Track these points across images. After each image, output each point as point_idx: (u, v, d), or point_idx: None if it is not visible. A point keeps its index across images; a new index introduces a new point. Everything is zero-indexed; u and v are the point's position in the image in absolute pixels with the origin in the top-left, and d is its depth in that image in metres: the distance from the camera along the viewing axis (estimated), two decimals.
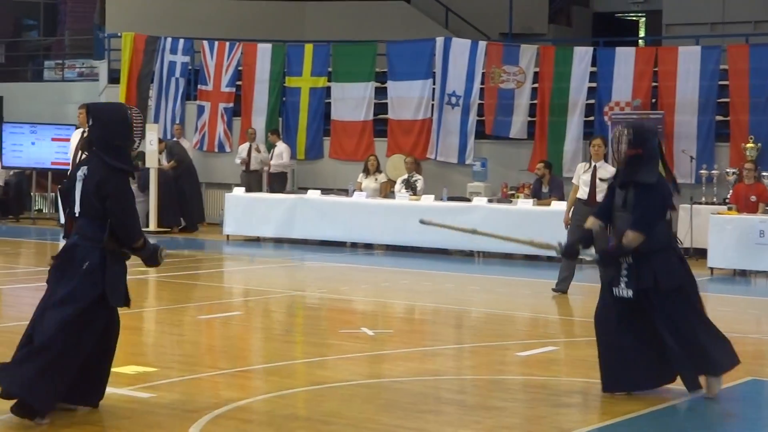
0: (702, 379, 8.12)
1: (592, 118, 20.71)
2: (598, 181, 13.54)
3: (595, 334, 8.37)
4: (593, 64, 20.74)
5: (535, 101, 21.16)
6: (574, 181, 13.99)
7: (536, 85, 21.16)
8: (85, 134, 7.55)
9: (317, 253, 18.79)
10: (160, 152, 22.55)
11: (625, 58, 20.49)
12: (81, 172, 7.20)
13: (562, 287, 13.97)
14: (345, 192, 20.42)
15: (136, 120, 7.33)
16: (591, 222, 8.61)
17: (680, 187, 10.25)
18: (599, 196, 12.51)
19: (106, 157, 7.14)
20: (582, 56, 20.77)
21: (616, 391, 8.13)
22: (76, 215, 7.22)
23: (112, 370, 8.57)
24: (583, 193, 13.72)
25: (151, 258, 7.43)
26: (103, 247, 7.10)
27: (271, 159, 22.09)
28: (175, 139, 23.32)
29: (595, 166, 13.72)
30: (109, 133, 7.22)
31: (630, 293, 8.09)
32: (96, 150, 7.22)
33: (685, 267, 8.34)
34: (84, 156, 7.33)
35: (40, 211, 26.18)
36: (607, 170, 13.26)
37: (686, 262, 8.48)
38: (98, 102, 7.78)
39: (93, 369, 7.22)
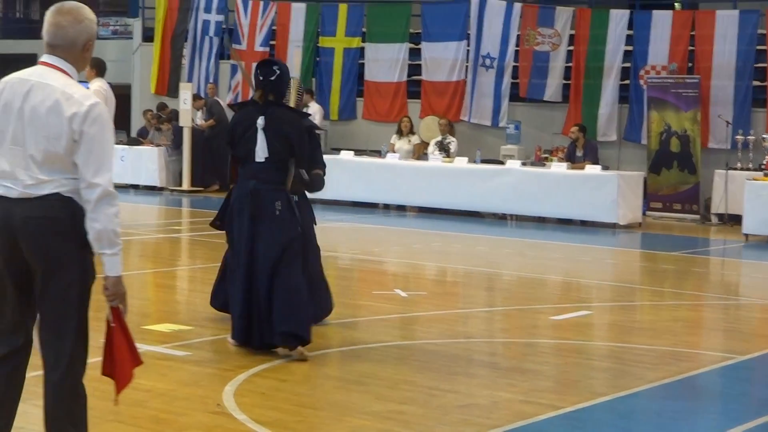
0: None
1: (627, 81, 20.56)
2: None
3: None
4: (629, 27, 20.57)
5: (570, 64, 21.02)
6: None
7: (571, 47, 21.01)
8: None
9: (349, 214, 18.80)
10: (197, 109, 22.58)
11: (661, 21, 20.31)
12: (261, 120, 7.93)
13: None
14: (378, 153, 20.39)
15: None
16: None
17: None
18: None
19: (284, 107, 8.19)
20: (618, 19, 20.59)
21: None
22: (256, 162, 7.92)
23: (147, 327, 8.66)
24: None
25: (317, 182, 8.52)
26: (285, 190, 7.97)
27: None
28: (215, 98, 23.29)
29: None
30: (284, 86, 8.18)
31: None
32: (275, 100, 8.04)
33: None
34: (244, 103, 8.31)
35: None
36: None
37: None
38: (275, 59, 8.61)
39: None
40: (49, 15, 4.79)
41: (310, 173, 8.33)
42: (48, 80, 4.69)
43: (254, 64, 8.60)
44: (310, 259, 8.57)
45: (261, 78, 8.07)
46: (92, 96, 4.73)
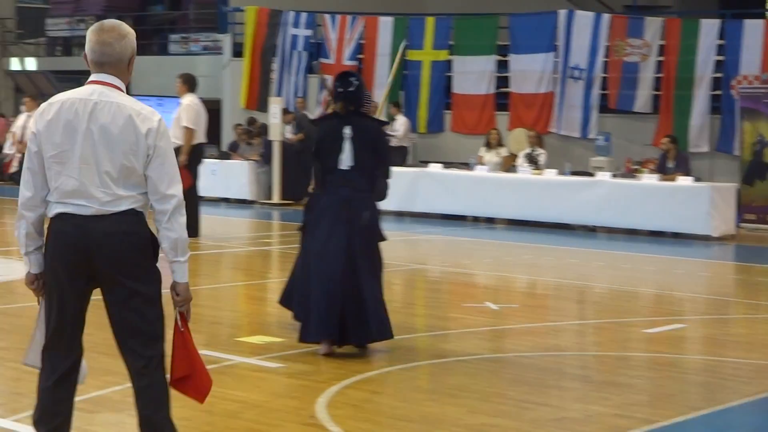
0: None
1: (719, 92, 20.31)
2: None
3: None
4: (720, 36, 20.33)
5: (660, 74, 20.82)
6: None
7: (661, 58, 20.82)
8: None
9: (438, 226, 18.80)
10: (286, 123, 22.76)
11: (753, 30, 20.04)
12: (348, 130, 8.27)
13: None
14: (466, 166, 20.36)
15: None
16: None
17: None
18: None
19: (367, 117, 8.65)
20: (709, 29, 20.37)
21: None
22: (341, 169, 8.26)
23: (240, 339, 8.75)
24: None
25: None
26: (372, 198, 8.41)
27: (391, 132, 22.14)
28: (304, 112, 23.45)
29: None
30: (362, 96, 8.52)
31: None
32: (355, 110, 8.41)
33: None
34: (327, 116, 8.65)
35: None
36: None
37: None
38: (352, 71, 8.91)
39: None
40: (92, 34, 4.92)
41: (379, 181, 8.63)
42: (112, 98, 4.84)
43: (327, 77, 9.00)
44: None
45: (340, 90, 8.40)
46: (156, 111, 4.90)
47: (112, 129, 4.78)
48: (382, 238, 8.51)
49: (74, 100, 4.85)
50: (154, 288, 4.89)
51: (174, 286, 4.94)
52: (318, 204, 8.44)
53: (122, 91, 4.91)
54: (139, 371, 4.91)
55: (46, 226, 4.93)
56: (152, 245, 4.88)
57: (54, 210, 4.85)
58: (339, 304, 8.11)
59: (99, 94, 4.84)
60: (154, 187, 4.82)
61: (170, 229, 4.84)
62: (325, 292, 8.13)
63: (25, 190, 4.90)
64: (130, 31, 4.94)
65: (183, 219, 4.87)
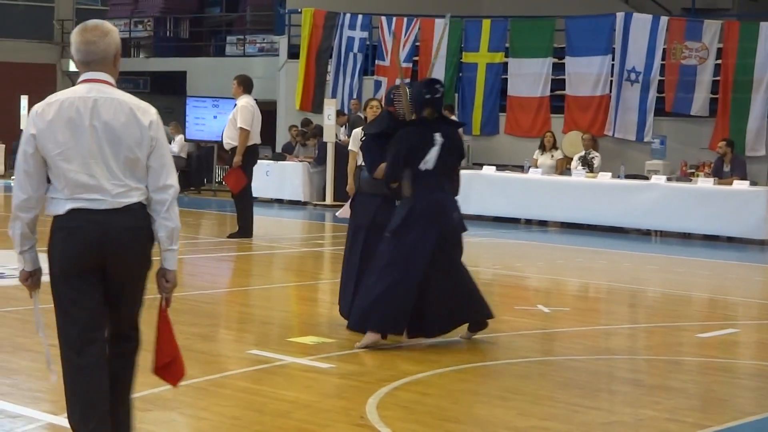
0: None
1: None
2: None
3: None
4: None
5: (717, 78, 20.65)
6: (352, 147, 11.80)
7: (719, 61, 20.65)
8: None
9: (491, 229, 18.77)
10: (341, 125, 22.82)
11: None
12: (438, 137, 8.61)
13: None
14: (520, 168, 20.32)
15: None
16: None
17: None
18: None
19: (449, 122, 9.14)
20: None
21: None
22: (430, 171, 8.61)
23: (291, 339, 8.80)
24: None
25: None
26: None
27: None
28: (359, 114, 23.51)
29: None
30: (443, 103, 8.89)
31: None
32: (442, 116, 8.89)
33: None
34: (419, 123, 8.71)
35: (220, 183, 26.80)
36: None
37: None
38: (432, 78, 9.17)
39: None
40: (75, 35, 5.03)
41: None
42: (111, 95, 4.98)
43: (395, 81, 9.05)
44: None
45: (428, 96, 8.67)
46: (150, 105, 5.09)
47: (115, 124, 4.92)
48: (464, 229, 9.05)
49: (73, 98, 4.95)
50: (147, 273, 5.10)
51: (164, 273, 5.09)
52: (410, 209, 8.65)
53: (114, 86, 5.04)
54: (126, 336, 5.15)
55: (51, 223, 5.01)
56: (152, 237, 5.05)
57: (64, 207, 4.94)
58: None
59: (96, 91, 4.97)
60: (155, 177, 4.98)
61: (168, 219, 5.00)
62: (404, 296, 8.56)
63: (20, 192, 4.99)
64: (113, 29, 5.07)
65: (177, 208, 5.06)
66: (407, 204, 8.67)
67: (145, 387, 6.63)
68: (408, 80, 21.82)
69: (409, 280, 8.52)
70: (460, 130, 21.01)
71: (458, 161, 9.03)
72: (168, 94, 30.02)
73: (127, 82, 30.74)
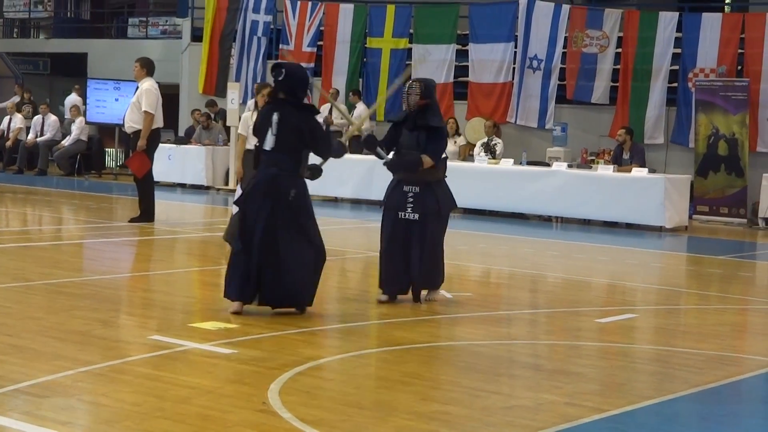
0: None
1: (675, 84, 20.46)
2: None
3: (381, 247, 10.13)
4: (678, 29, 20.48)
5: (618, 66, 20.95)
6: (241, 131, 13.11)
7: (620, 50, 20.95)
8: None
9: None
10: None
11: (711, 24, 20.20)
12: (275, 117, 8.98)
13: None
14: None
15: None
16: None
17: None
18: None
19: (297, 104, 9.13)
20: (667, 21, 20.51)
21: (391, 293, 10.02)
22: (267, 150, 9.04)
23: (193, 325, 8.73)
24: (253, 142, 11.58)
25: (339, 150, 9.84)
26: (299, 176, 9.13)
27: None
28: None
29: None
30: (293, 85, 9.13)
31: (416, 216, 9.99)
32: (286, 98, 9.10)
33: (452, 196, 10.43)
34: (268, 104, 9.32)
35: (122, 166, 26.48)
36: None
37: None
38: (284, 61, 10.25)
39: None
40: None
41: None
42: None
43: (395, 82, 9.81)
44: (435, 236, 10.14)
45: (274, 79, 9.20)
46: None
47: None
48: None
49: None
50: None
51: None
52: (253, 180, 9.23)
53: None
54: None
55: None
56: None
57: None
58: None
59: None
60: None
61: None
62: (246, 263, 9.24)
63: None
64: None
65: None
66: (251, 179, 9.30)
67: (43, 373, 6.54)
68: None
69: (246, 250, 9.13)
70: (362, 110, 21.23)
71: (300, 142, 9.07)
72: (68, 76, 29.55)
73: (27, 63, 30.20)
